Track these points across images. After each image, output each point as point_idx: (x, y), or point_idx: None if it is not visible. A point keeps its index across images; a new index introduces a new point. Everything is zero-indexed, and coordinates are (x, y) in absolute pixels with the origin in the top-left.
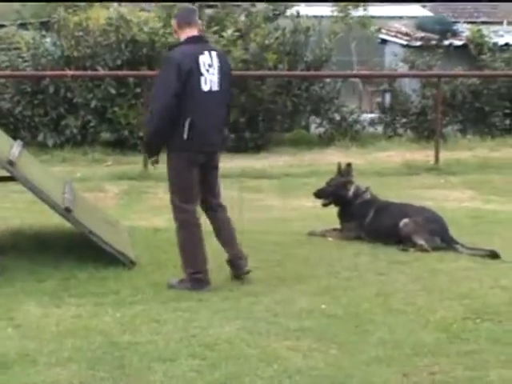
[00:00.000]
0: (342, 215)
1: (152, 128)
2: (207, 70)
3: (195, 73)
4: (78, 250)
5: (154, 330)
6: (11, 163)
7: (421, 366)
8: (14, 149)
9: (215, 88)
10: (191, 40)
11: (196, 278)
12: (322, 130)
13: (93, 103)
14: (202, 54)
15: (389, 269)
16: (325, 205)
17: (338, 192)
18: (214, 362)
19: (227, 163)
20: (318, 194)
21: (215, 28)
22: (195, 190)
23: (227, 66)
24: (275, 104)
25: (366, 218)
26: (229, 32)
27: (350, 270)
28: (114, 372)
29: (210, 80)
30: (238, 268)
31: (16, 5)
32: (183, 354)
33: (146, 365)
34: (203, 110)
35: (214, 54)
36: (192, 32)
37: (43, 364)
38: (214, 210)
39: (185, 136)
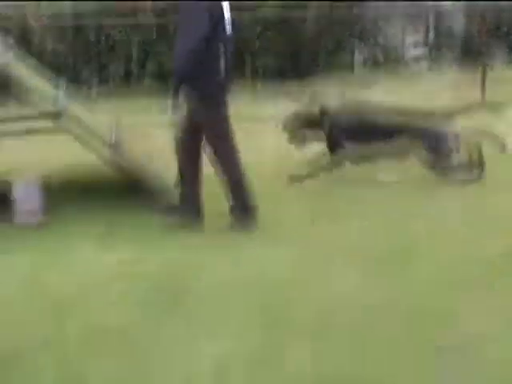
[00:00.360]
0: None
1: None
2: (227, 15)
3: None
4: (124, 195)
5: (200, 275)
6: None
7: None
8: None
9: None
10: None
11: None
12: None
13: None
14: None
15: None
16: None
17: None
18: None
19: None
20: None
21: None
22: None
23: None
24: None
25: None
26: None
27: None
28: (160, 314)
29: (229, 24)
30: None
31: None
32: (234, 293)
33: (195, 307)
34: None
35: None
36: None
37: (92, 307)
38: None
39: None
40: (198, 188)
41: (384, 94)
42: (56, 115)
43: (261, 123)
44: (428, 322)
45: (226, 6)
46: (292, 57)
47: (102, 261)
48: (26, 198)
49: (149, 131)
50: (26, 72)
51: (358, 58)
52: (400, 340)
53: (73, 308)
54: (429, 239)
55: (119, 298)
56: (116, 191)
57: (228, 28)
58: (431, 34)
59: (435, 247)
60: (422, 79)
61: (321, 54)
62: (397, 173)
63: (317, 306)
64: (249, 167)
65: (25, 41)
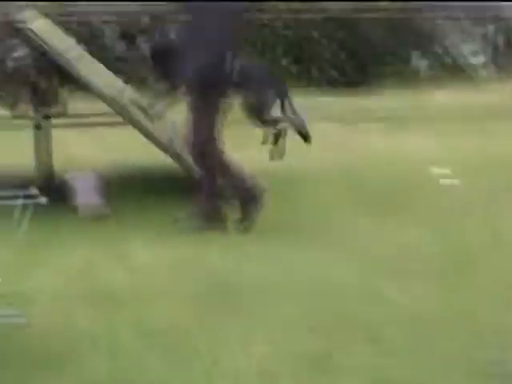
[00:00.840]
0: None
1: None
2: None
3: None
4: (184, 190)
5: (261, 270)
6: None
7: None
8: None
9: None
10: None
11: None
12: (426, 64)
13: None
14: None
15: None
16: None
17: None
18: (321, 300)
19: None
20: None
21: None
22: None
23: None
24: (376, 39)
25: None
26: None
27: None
28: (221, 308)
29: None
30: None
31: None
32: (291, 295)
33: (253, 302)
34: None
35: None
36: None
37: (153, 302)
38: None
39: None
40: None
41: (448, 98)
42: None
43: None
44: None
45: None
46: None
47: (158, 255)
48: (87, 191)
49: None
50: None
51: (421, 61)
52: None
53: (126, 302)
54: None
55: (173, 292)
56: (176, 185)
57: None
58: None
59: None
60: (485, 86)
61: (384, 55)
62: None
63: (376, 316)
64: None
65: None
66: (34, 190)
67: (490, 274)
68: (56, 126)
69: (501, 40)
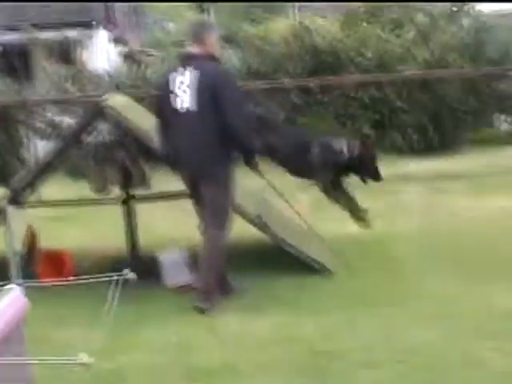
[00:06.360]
0: None
1: None
2: (181, 89)
3: (165, 90)
4: (274, 259)
5: (355, 337)
6: None
7: None
8: None
9: (190, 107)
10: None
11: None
12: (510, 127)
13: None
14: (177, 72)
15: None
16: None
17: None
18: (417, 366)
19: (414, 165)
20: None
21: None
22: (194, 207)
23: (209, 85)
24: (460, 103)
25: None
26: (409, 33)
27: None
28: (316, 380)
29: (183, 99)
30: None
31: None
32: (386, 360)
33: (349, 372)
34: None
35: (192, 72)
36: (191, 48)
37: (245, 373)
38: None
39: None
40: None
41: None
42: None
43: None
44: None
45: (180, 79)
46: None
47: (254, 325)
48: (176, 268)
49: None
50: None
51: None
52: None
53: (223, 374)
54: None
55: (272, 362)
56: (266, 255)
57: (177, 101)
58: None
59: None
60: None
61: (464, 114)
62: None
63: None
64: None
65: None
66: (126, 270)
67: None
68: (141, 202)
69: None
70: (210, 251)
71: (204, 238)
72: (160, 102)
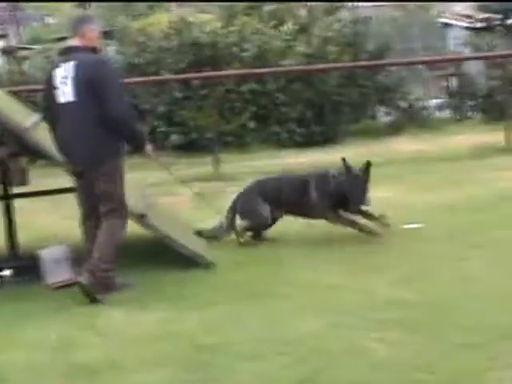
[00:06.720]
0: None
1: None
2: (62, 83)
3: (50, 85)
4: (156, 255)
5: (238, 329)
6: None
7: (510, 349)
8: None
9: (71, 99)
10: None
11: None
12: (389, 118)
13: (160, 108)
14: (58, 66)
15: (467, 253)
16: None
17: None
18: (301, 357)
19: (296, 158)
20: None
21: (274, 23)
22: (79, 199)
23: (87, 75)
24: (341, 96)
25: None
26: (289, 26)
27: (429, 257)
28: (200, 374)
29: (65, 92)
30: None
31: None
32: (270, 352)
33: (233, 365)
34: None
35: (71, 64)
36: (70, 42)
37: (129, 370)
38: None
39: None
40: None
41: (409, 144)
42: None
43: None
44: None
45: (61, 73)
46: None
47: (138, 321)
48: (56, 262)
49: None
50: None
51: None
52: None
53: (107, 373)
54: None
55: (156, 358)
56: (149, 251)
57: (61, 95)
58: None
59: None
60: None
61: (345, 106)
62: None
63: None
64: None
65: None
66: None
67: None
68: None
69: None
70: (108, 240)
71: (102, 228)
72: (46, 97)
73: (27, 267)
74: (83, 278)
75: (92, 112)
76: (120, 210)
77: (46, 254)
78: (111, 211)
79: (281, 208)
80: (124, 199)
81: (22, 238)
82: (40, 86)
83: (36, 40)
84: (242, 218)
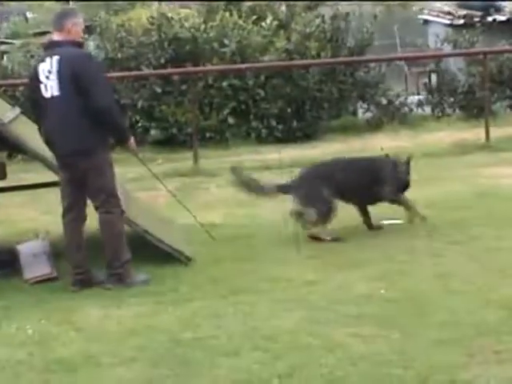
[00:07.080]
0: None
1: None
2: (47, 77)
3: (35, 80)
4: (134, 250)
5: (216, 325)
6: None
7: (485, 345)
8: None
9: (56, 93)
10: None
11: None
12: (369, 115)
13: (139, 103)
14: (43, 61)
15: (445, 250)
16: None
17: None
18: (278, 353)
19: (276, 154)
20: None
21: (254, 18)
22: (63, 191)
23: (72, 70)
24: (321, 92)
25: None
26: (268, 22)
27: (407, 253)
28: (177, 369)
29: (50, 86)
30: None
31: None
32: (246, 347)
33: (210, 360)
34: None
35: (56, 58)
36: (54, 36)
37: (107, 365)
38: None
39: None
40: None
41: (388, 140)
42: None
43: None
44: None
45: (45, 67)
46: (297, 105)
47: (115, 316)
48: (34, 256)
49: None
50: None
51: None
52: None
53: (85, 368)
54: None
55: (134, 352)
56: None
57: (47, 89)
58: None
59: None
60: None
61: (325, 102)
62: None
63: None
64: None
65: None
66: None
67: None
68: None
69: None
70: (111, 236)
71: (100, 226)
72: (32, 92)
73: (5, 261)
74: (110, 285)
75: (77, 105)
76: (113, 201)
77: (24, 249)
78: (104, 203)
79: (345, 193)
80: (115, 190)
81: (0, 232)
82: (19, 81)
83: (16, 35)
84: (306, 206)
